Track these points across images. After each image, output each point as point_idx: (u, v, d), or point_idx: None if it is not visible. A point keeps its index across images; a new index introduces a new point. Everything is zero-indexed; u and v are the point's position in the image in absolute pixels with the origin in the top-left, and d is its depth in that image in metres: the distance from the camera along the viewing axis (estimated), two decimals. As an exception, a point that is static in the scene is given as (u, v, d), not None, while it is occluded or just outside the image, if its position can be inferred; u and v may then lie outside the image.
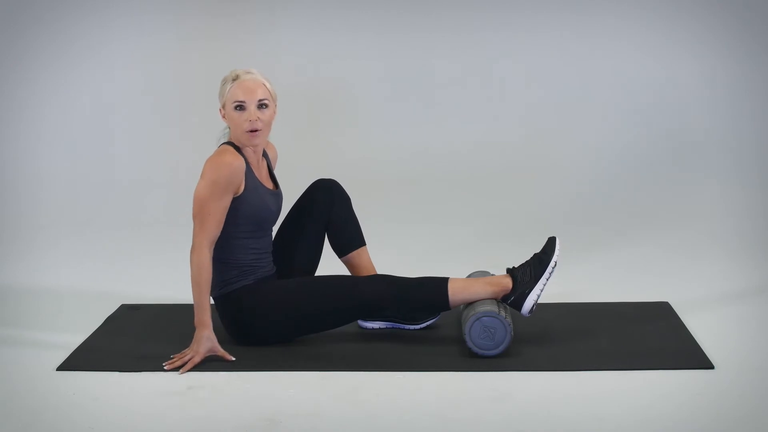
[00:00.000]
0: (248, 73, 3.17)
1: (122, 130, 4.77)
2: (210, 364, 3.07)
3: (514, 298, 3.17)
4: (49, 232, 4.43)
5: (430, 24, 4.80)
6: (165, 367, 3.05)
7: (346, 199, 3.38)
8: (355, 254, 3.37)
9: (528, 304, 3.16)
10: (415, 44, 4.80)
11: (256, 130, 3.13)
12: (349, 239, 3.37)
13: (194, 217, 3.09)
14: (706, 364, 3.01)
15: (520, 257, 3.30)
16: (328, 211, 3.35)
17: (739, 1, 4.67)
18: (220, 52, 4.70)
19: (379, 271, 3.40)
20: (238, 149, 3.16)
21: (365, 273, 3.35)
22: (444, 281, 3.18)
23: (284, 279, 3.29)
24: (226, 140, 3.24)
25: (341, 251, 3.38)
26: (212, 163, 3.10)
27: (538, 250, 3.21)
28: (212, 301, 3.16)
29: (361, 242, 3.39)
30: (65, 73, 4.74)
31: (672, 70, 4.75)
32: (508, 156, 4.74)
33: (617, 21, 4.75)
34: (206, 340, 3.09)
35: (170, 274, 3.78)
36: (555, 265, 3.15)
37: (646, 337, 3.26)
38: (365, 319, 3.36)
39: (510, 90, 4.81)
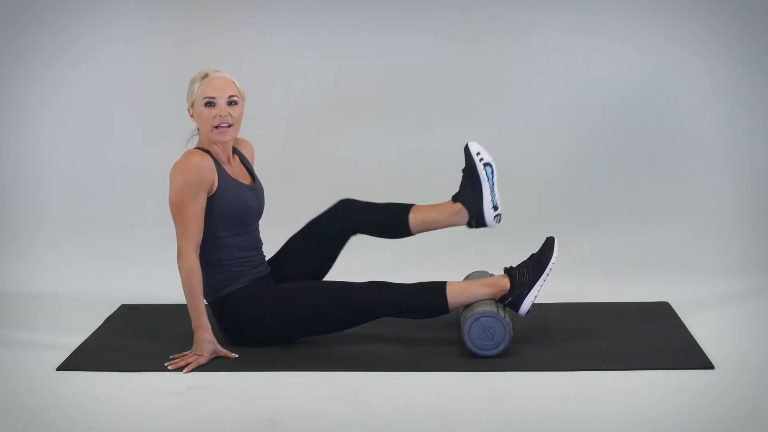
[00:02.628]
0: (217, 71, 3.17)
1: (122, 130, 4.77)
2: (210, 363, 3.07)
3: (512, 298, 3.16)
4: (49, 232, 4.43)
5: (430, 24, 4.80)
6: (168, 367, 3.05)
7: (358, 209, 3.33)
8: (413, 220, 3.27)
9: (526, 304, 3.15)
10: (415, 44, 4.80)
11: (226, 126, 3.12)
12: (396, 222, 3.28)
13: (175, 223, 3.09)
14: (706, 364, 3.02)
15: (519, 257, 3.30)
16: (348, 236, 3.31)
17: (739, 1, 4.66)
18: (220, 51, 4.70)
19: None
20: (206, 151, 3.15)
21: (437, 213, 3.25)
22: (442, 285, 3.17)
23: (281, 281, 3.28)
24: (193, 146, 3.22)
25: (402, 233, 3.31)
26: (179, 166, 3.09)
27: (536, 251, 3.21)
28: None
29: (405, 210, 3.28)
30: (65, 73, 4.73)
31: (672, 70, 4.75)
32: (508, 156, 4.73)
33: (617, 21, 4.75)
34: (208, 342, 3.09)
35: (170, 274, 3.76)
36: (553, 265, 3.15)
37: (646, 337, 3.26)
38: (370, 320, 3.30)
39: (509, 90, 4.81)
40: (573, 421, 2.68)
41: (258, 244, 3.28)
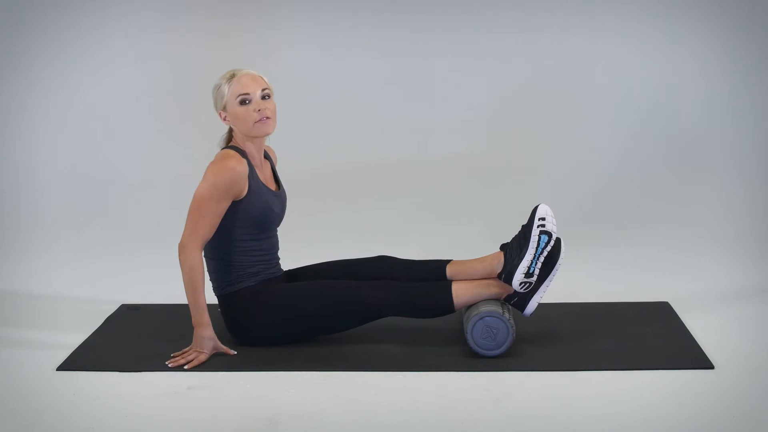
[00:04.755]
0: (242, 69, 3.17)
1: (122, 130, 4.77)
2: (210, 364, 3.07)
3: (517, 299, 3.17)
4: (48, 233, 4.43)
5: (430, 24, 4.80)
6: (169, 365, 3.05)
7: (396, 266, 3.31)
8: (450, 271, 3.26)
9: (531, 305, 3.16)
10: (415, 44, 4.80)
11: (266, 118, 3.13)
12: (434, 274, 3.28)
13: (189, 215, 3.09)
14: (706, 364, 3.02)
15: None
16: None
17: (743, 3, 4.66)
18: (220, 51, 4.70)
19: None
20: (242, 153, 3.15)
21: (478, 262, 3.23)
22: (447, 285, 3.17)
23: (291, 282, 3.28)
24: (226, 144, 3.23)
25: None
26: (215, 166, 3.10)
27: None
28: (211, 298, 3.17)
29: (441, 264, 3.28)
30: (65, 73, 4.73)
31: (672, 70, 4.75)
32: (509, 156, 4.74)
33: (617, 21, 4.75)
34: (208, 339, 3.10)
35: (170, 274, 3.78)
36: (560, 266, 3.14)
37: (646, 337, 3.26)
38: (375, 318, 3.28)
39: (510, 90, 4.81)
40: (573, 421, 2.68)
41: (275, 249, 3.28)
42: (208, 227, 3.08)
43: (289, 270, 3.35)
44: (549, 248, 3.10)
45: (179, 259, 3.08)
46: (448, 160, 4.76)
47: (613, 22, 4.76)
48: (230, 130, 3.23)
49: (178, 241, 3.12)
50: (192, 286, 3.07)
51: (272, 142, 3.38)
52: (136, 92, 4.78)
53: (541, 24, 4.78)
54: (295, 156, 4.61)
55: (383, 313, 3.16)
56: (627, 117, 4.76)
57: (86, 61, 4.75)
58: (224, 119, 3.17)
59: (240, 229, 3.16)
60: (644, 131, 4.74)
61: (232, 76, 3.14)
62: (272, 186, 3.27)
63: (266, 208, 3.18)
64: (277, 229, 3.31)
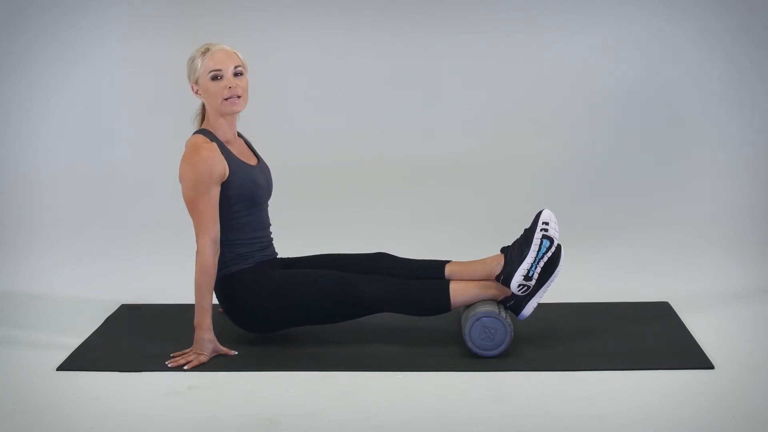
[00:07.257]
0: (217, 44, 3.17)
1: (122, 130, 4.77)
2: (210, 363, 3.07)
3: (514, 302, 3.16)
4: (49, 233, 4.43)
5: (430, 24, 4.80)
6: (169, 365, 3.05)
7: (395, 264, 3.31)
8: (449, 271, 3.26)
9: (527, 309, 3.15)
10: (415, 44, 4.80)
11: (236, 96, 3.14)
12: (433, 273, 3.28)
13: (191, 218, 3.11)
14: (706, 364, 3.02)
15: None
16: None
17: (739, 1, 4.66)
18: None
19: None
20: (210, 135, 3.15)
21: (478, 263, 3.25)
22: (445, 284, 3.17)
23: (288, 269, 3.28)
24: (197, 126, 3.23)
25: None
26: (189, 163, 3.10)
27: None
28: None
29: (440, 264, 3.29)
30: (65, 73, 4.73)
31: (672, 69, 4.75)
32: (509, 156, 4.74)
33: (617, 21, 4.75)
34: (208, 342, 3.10)
35: (170, 274, 3.78)
36: (558, 273, 3.14)
37: (646, 337, 3.26)
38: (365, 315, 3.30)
39: (510, 90, 4.81)
40: (573, 421, 2.68)
41: (267, 223, 3.29)
42: (210, 222, 3.08)
43: (287, 258, 3.35)
44: (550, 254, 3.10)
45: (195, 261, 3.08)
46: (448, 160, 4.76)
47: (613, 22, 4.76)
48: (203, 104, 3.23)
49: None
50: (199, 287, 3.07)
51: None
52: (136, 92, 4.78)
53: (541, 24, 4.79)
54: (295, 156, 4.62)
55: (380, 308, 3.16)
56: (627, 117, 4.76)
57: (86, 61, 4.75)
58: (196, 92, 3.18)
59: (231, 209, 3.16)
60: (644, 131, 4.74)
61: (207, 50, 3.15)
62: (252, 161, 3.27)
63: (252, 183, 3.18)
64: (268, 209, 3.31)
